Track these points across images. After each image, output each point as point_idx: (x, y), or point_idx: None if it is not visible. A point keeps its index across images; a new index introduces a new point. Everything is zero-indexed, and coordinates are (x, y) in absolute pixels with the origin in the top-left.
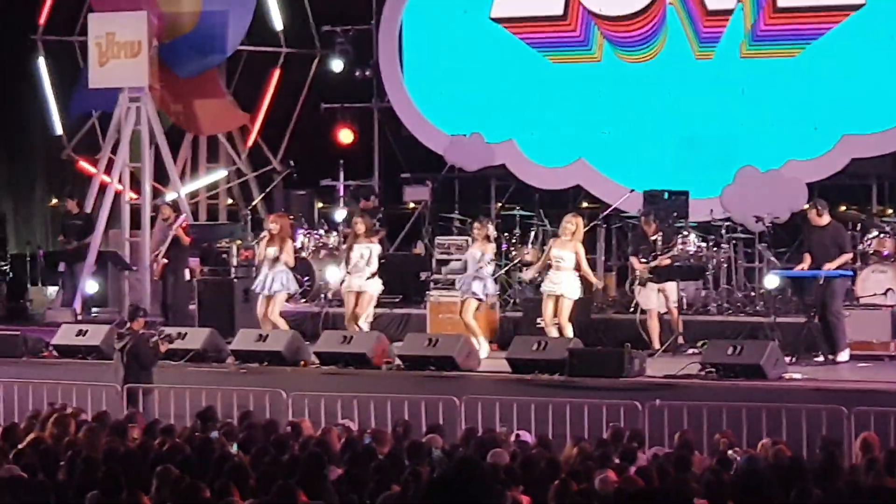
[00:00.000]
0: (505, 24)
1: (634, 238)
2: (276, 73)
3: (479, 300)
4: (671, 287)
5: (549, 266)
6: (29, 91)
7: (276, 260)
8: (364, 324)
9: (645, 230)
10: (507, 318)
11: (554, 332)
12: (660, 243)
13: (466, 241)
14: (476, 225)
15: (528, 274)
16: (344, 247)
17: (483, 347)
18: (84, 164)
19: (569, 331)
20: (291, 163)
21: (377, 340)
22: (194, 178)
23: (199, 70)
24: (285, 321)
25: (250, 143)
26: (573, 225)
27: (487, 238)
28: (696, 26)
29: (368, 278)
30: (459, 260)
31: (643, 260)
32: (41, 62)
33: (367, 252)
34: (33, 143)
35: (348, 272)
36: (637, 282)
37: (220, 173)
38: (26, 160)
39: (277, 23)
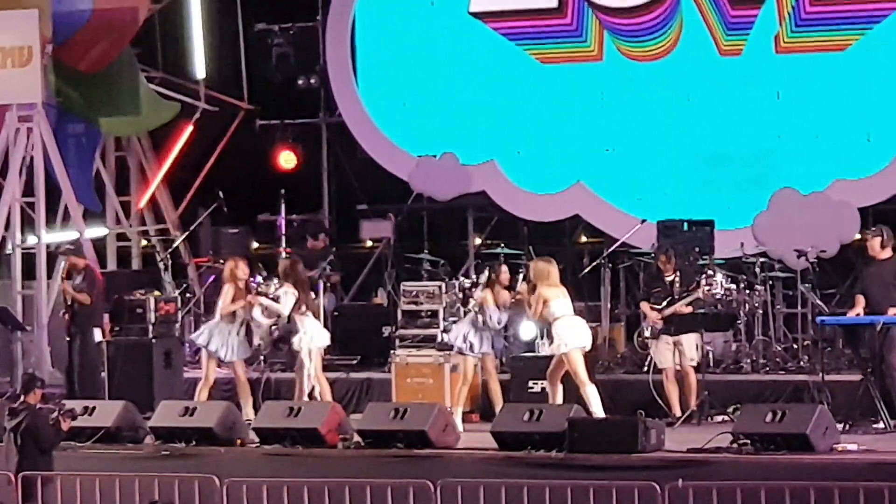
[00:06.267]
0: (486, 18)
1: (647, 279)
2: (188, 129)
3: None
4: (688, 341)
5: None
6: None
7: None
8: (314, 389)
9: (660, 269)
10: None
11: (559, 397)
12: (677, 285)
13: (439, 287)
14: (505, 268)
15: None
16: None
17: None
18: None
19: (589, 389)
20: (220, 194)
21: (331, 412)
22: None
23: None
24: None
25: (141, 204)
26: (530, 271)
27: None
28: (721, 10)
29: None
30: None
31: (656, 307)
32: None
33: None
34: None
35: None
36: (648, 334)
37: (100, 231)
38: None
39: (200, 69)
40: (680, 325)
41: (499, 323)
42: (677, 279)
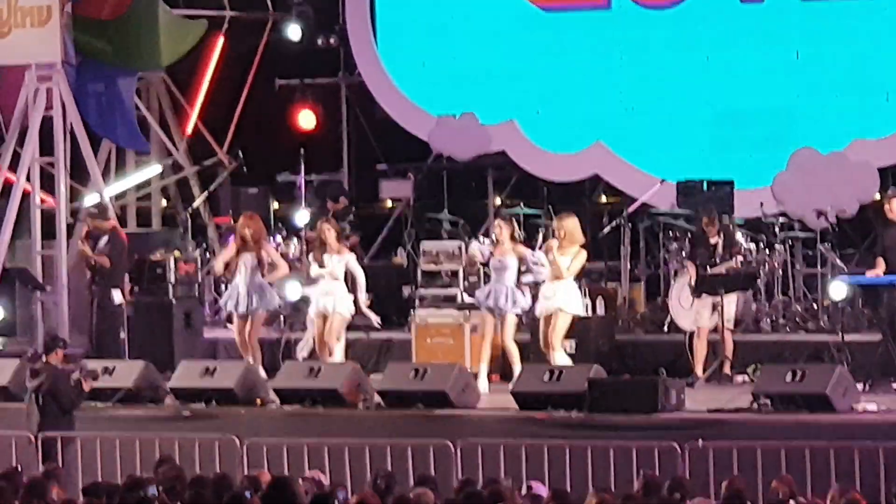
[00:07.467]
0: None
1: (694, 240)
2: (220, 41)
3: (519, 316)
4: (729, 302)
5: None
6: None
7: (254, 270)
8: (339, 353)
9: (705, 231)
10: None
11: (560, 356)
12: (720, 249)
13: (459, 247)
14: (500, 223)
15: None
16: (309, 258)
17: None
18: None
19: (560, 354)
20: (240, 154)
21: (351, 373)
22: (121, 176)
23: None
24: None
25: (189, 129)
26: (561, 230)
27: (514, 238)
28: None
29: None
30: (452, 272)
31: (700, 268)
32: None
33: (340, 266)
34: None
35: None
36: (692, 292)
37: (154, 169)
38: None
39: None
40: (702, 285)
41: (483, 256)
42: (720, 242)
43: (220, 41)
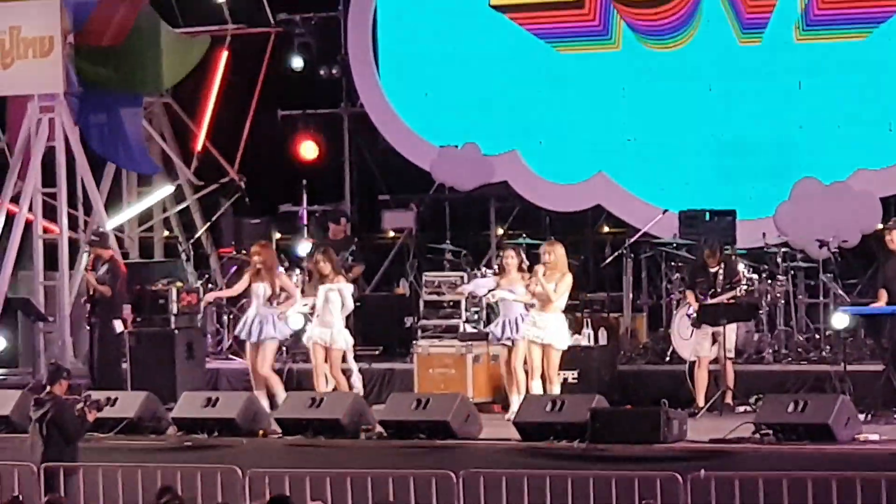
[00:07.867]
0: (507, 12)
1: (693, 269)
2: (223, 56)
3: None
4: (729, 332)
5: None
6: None
7: (269, 299)
8: (356, 383)
9: (706, 261)
10: None
11: (537, 386)
12: (721, 278)
13: (461, 277)
14: (510, 253)
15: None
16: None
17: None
18: None
19: (557, 386)
20: (242, 184)
21: (353, 403)
22: (131, 204)
23: None
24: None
25: (199, 147)
26: (550, 255)
27: (521, 269)
28: (736, 10)
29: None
30: (452, 300)
31: (700, 297)
32: None
33: (335, 295)
34: None
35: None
36: (691, 322)
37: (166, 189)
38: None
39: None
40: (703, 315)
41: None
42: (721, 271)
43: (224, 56)
